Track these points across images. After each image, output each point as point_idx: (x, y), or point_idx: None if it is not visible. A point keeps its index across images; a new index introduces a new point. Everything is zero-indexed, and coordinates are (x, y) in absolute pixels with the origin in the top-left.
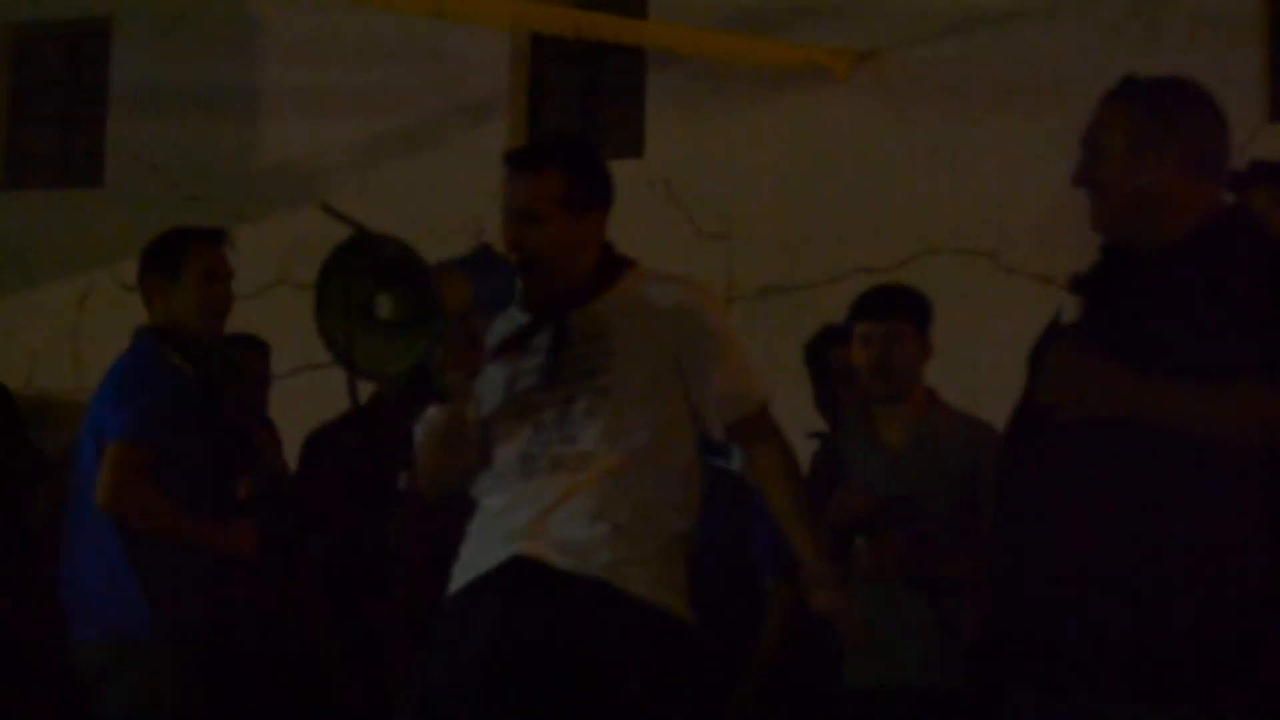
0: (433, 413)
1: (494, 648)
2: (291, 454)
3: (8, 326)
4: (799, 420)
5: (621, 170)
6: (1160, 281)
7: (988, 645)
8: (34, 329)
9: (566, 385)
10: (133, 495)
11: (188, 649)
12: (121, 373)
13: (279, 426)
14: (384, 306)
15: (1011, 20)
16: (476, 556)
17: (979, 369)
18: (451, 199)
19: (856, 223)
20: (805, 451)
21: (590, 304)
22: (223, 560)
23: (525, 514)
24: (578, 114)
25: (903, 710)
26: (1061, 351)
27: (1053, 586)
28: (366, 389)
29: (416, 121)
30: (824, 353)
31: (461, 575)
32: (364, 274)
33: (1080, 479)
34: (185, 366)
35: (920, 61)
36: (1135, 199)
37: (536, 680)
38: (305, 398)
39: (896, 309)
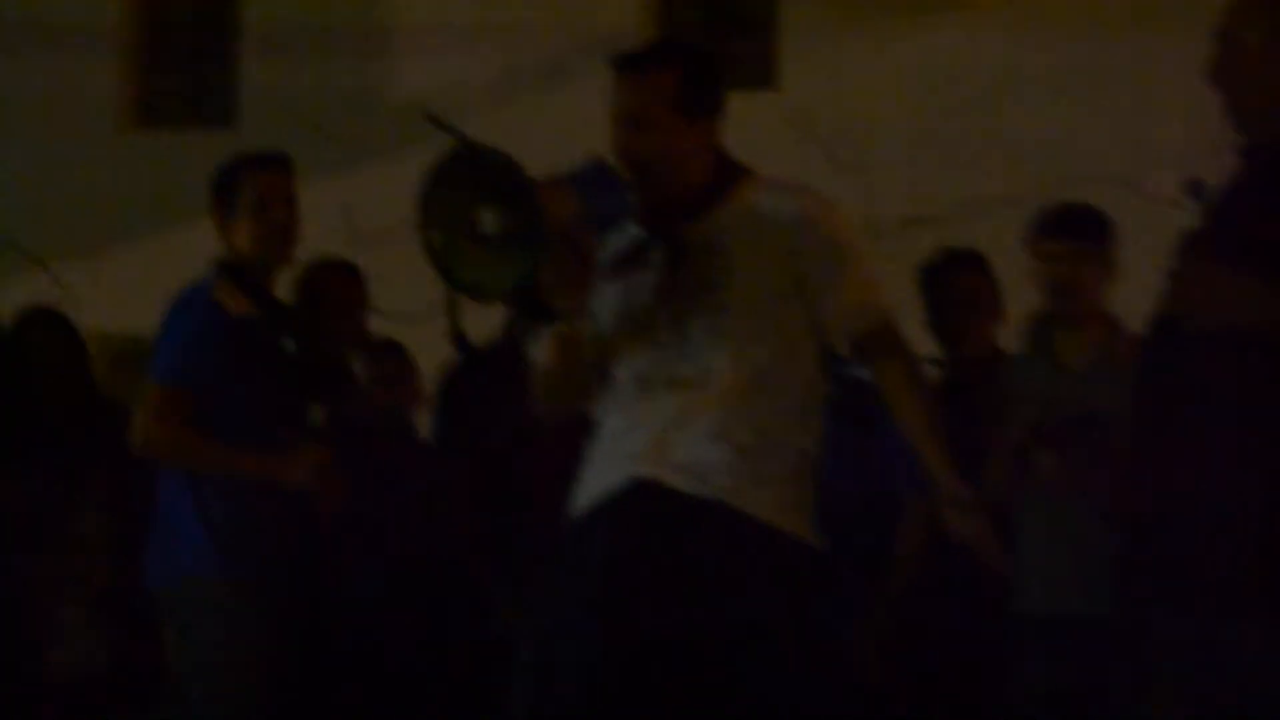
0: (545, 333)
1: (614, 573)
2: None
3: (144, 269)
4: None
5: (754, 102)
6: None
7: (1121, 564)
8: (170, 270)
9: (683, 302)
10: (162, 435)
11: (258, 588)
12: (168, 313)
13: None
14: (488, 220)
15: None
16: (596, 479)
17: (1119, 298)
18: (582, 134)
19: (997, 152)
20: None
21: (706, 216)
22: (289, 494)
23: (644, 435)
24: (708, 44)
25: (1074, 639)
26: (1185, 260)
27: (1177, 502)
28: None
29: (545, 57)
30: (943, 277)
31: (582, 497)
32: (468, 187)
33: (1205, 391)
34: (232, 302)
35: None
36: (1272, 93)
37: (657, 606)
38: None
39: (1082, 228)
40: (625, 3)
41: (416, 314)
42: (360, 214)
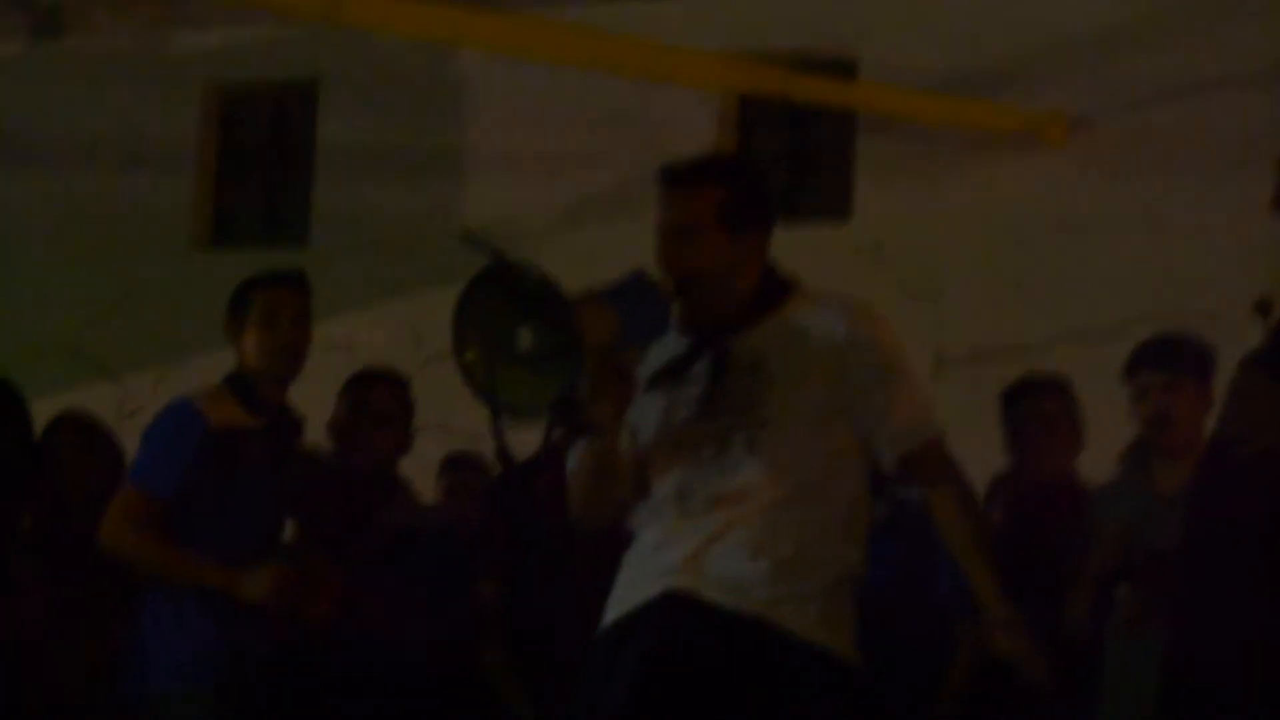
0: (582, 445)
1: (645, 687)
2: None
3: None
4: None
5: (829, 234)
6: None
7: (1173, 683)
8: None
9: (725, 417)
10: (123, 536)
11: (206, 699)
12: (154, 418)
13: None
14: (524, 338)
15: (1229, 86)
16: (630, 591)
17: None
18: (652, 263)
19: (1068, 288)
20: None
21: (751, 330)
22: (264, 613)
23: (681, 549)
24: (786, 178)
25: None
26: (1245, 380)
27: (1223, 631)
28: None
29: (620, 185)
30: (1024, 401)
31: (614, 610)
32: (505, 305)
33: (1256, 516)
34: (217, 412)
35: (1136, 127)
36: None
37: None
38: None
39: (1177, 359)
40: (702, 132)
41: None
42: (428, 334)
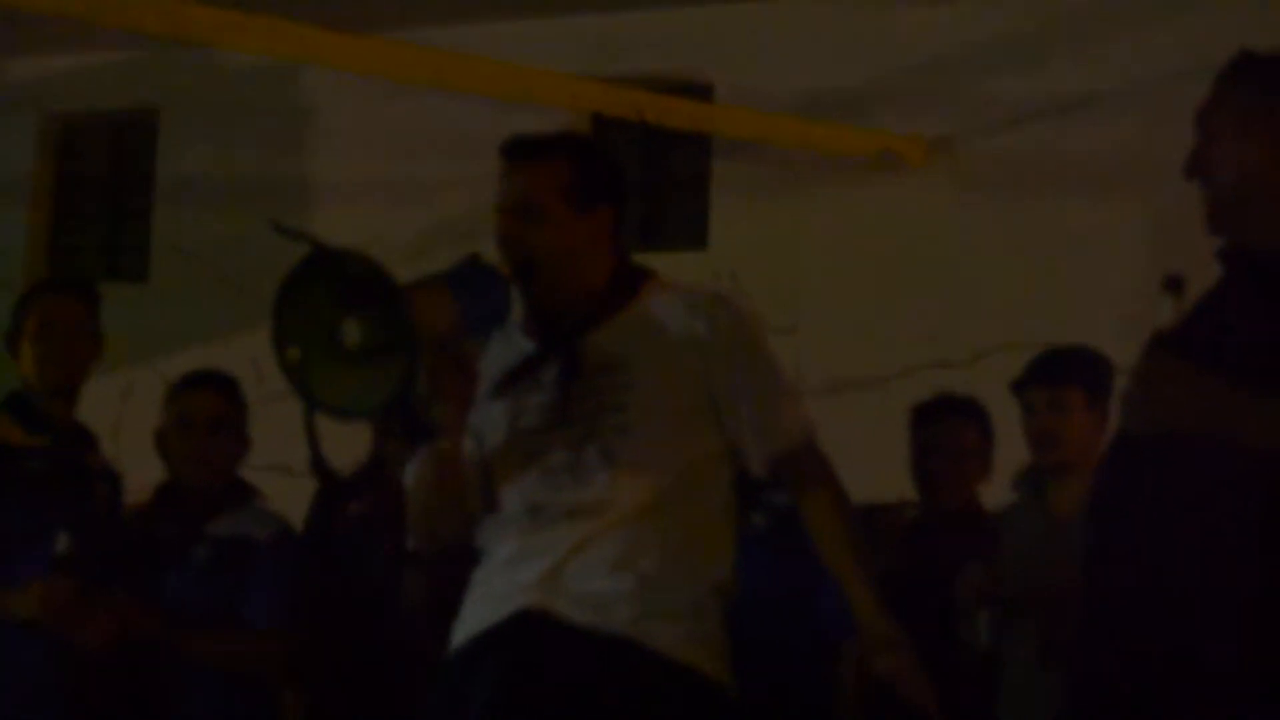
0: (422, 453)
1: (501, 711)
2: None
3: None
4: None
5: (686, 262)
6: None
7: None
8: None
9: (579, 424)
10: None
11: None
12: None
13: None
14: (351, 332)
15: (1090, 106)
16: (480, 610)
17: None
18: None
19: (930, 316)
20: None
21: (603, 326)
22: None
23: (535, 565)
24: (640, 203)
25: None
26: (1151, 363)
27: (1133, 661)
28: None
29: (474, 210)
30: (931, 421)
31: (462, 631)
32: (327, 297)
33: (1159, 505)
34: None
35: (996, 149)
36: (1246, 186)
37: None
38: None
39: (1065, 373)
40: None
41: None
42: (271, 370)
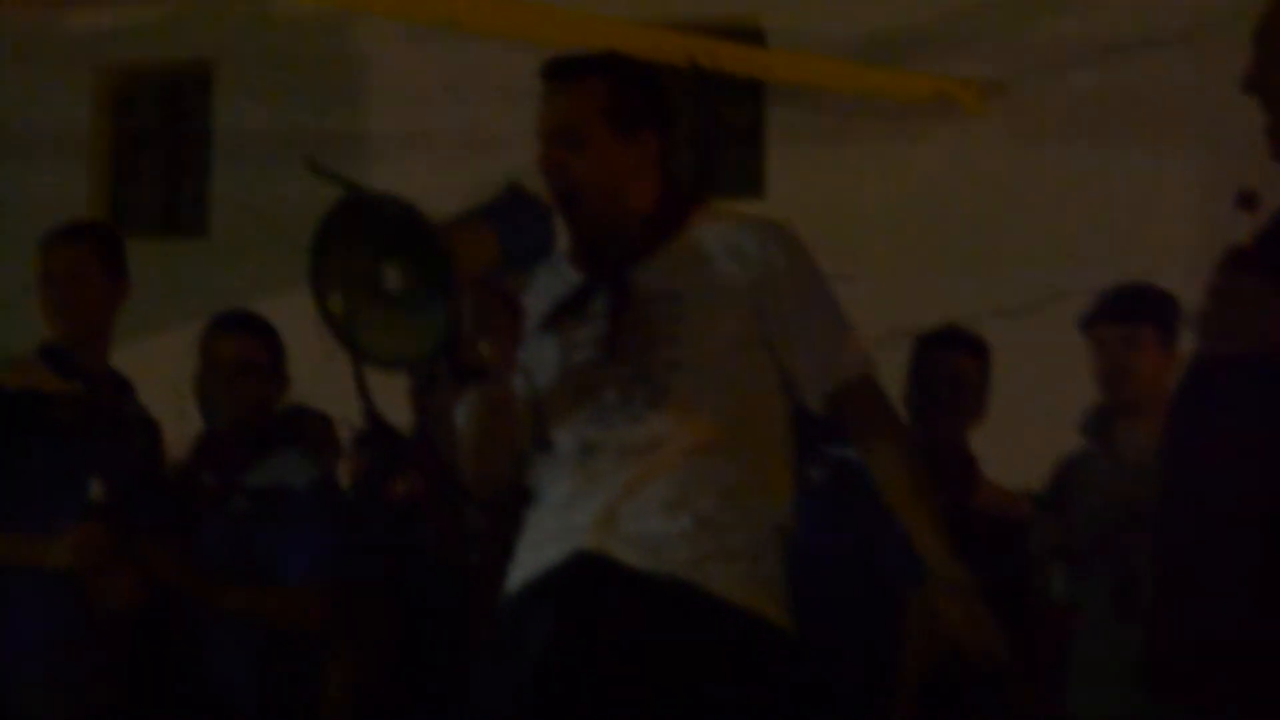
0: (471, 394)
1: (557, 656)
2: None
3: None
4: None
5: (741, 210)
6: None
7: (1150, 664)
8: (138, 381)
9: (631, 359)
10: None
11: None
12: None
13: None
14: (391, 277)
15: (1146, 49)
16: (534, 553)
17: None
18: (563, 239)
19: (989, 261)
20: None
21: (653, 256)
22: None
23: (590, 506)
24: (693, 153)
25: None
26: (1227, 281)
27: (1212, 614)
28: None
29: (520, 165)
30: (935, 352)
31: (518, 575)
32: (365, 242)
33: (1239, 429)
34: (14, 375)
35: (1052, 92)
36: None
37: (607, 694)
38: None
39: (1137, 310)
40: None
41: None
42: None
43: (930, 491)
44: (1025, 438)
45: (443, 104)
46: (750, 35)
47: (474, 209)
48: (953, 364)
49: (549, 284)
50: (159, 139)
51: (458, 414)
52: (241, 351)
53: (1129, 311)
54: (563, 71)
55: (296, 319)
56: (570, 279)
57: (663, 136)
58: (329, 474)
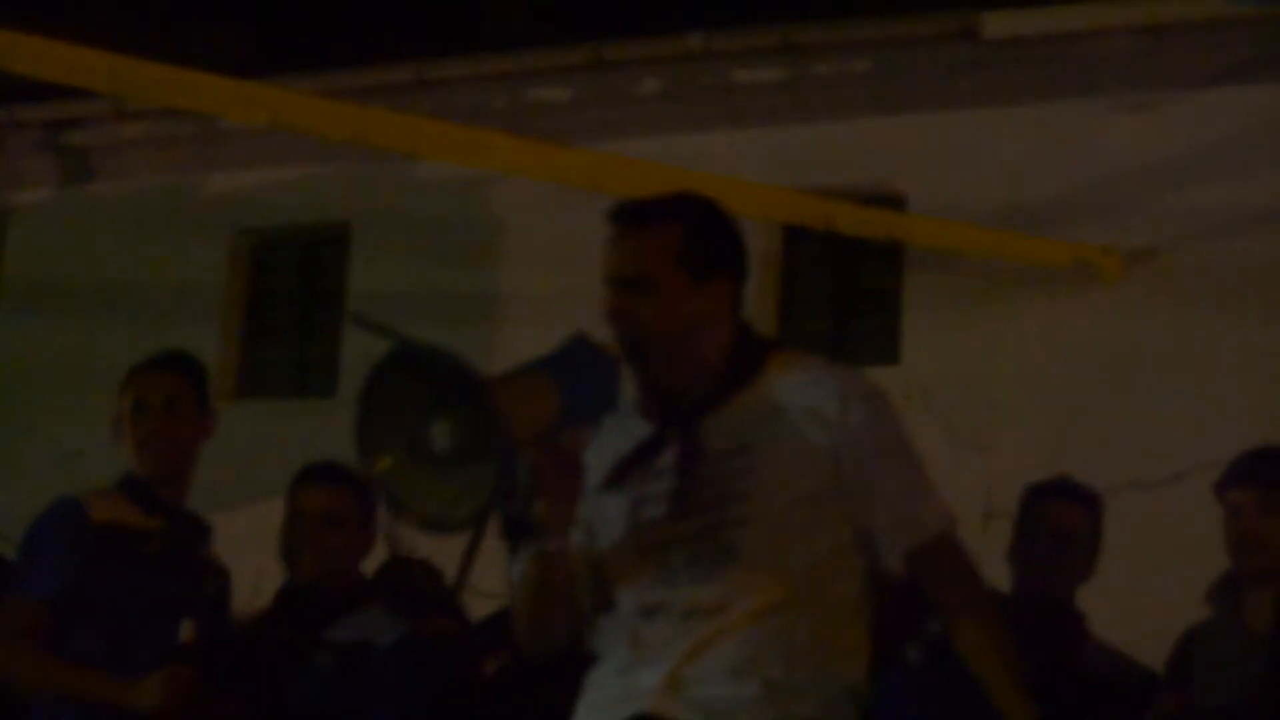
0: (527, 552)
1: None
2: None
3: (237, 540)
4: None
5: (876, 377)
6: None
7: None
8: (263, 543)
9: (699, 516)
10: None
11: None
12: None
13: None
14: (441, 436)
15: None
16: (593, 715)
17: None
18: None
19: (1128, 434)
20: None
21: (725, 407)
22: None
23: (654, 670)
24: (830, 319)
25: None
26: None
27: None
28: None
29: None
30: (1043, 504)
31: None
32: (414, 399)
33: None
34: (101, 507)
35: (1194, 262)
36: None
37: None
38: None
39: (1273, 475)
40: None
41: None
42: None
43: (1013, 652)
44: (1163, 616)
45: (579, 266)
46: (890, 201)
47: (536, 361)
48: (1063, 516)
49: (616, 437)
50: (293, 300)
51: (510, 571)
52: (329, 503)
53: (1265, 475)
54: (635, 215)
55: None
56: (638, 431)
57: (738, 284)
58: (411, 633)
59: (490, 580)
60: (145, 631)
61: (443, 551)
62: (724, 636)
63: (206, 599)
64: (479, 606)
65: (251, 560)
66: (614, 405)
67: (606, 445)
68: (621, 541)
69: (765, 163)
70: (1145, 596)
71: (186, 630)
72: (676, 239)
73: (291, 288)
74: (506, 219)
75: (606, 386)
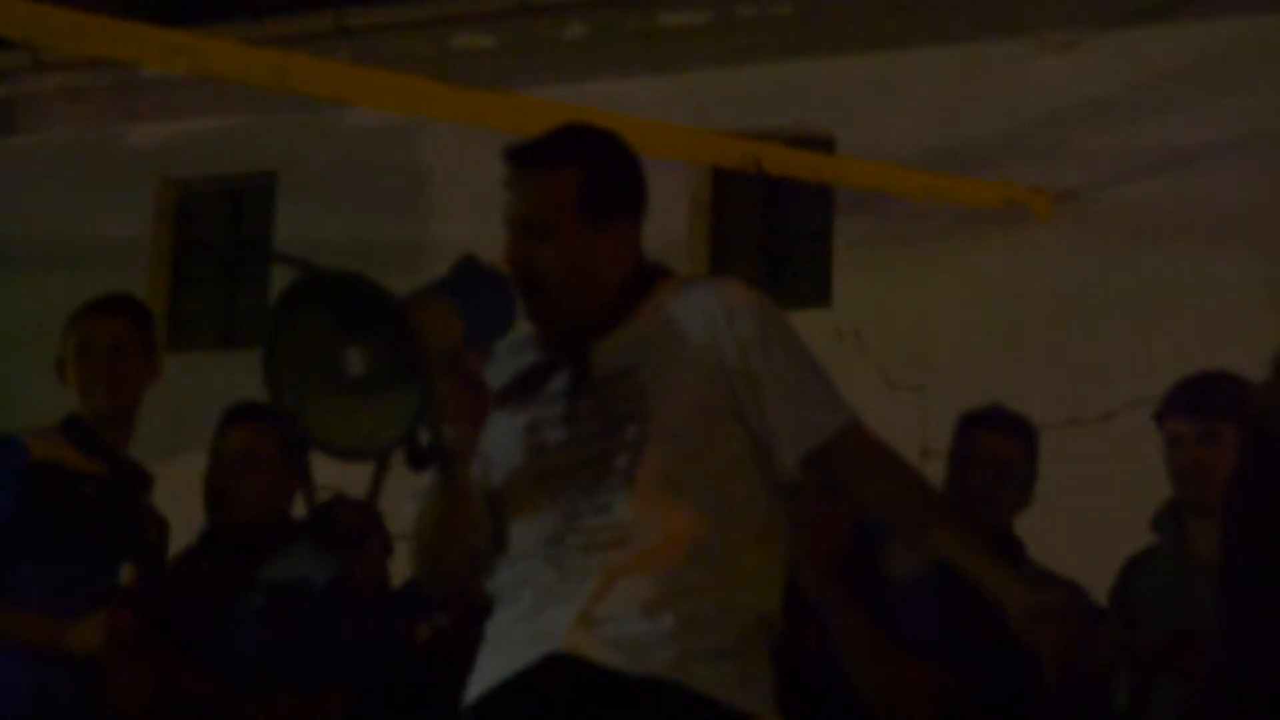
0: (428, 482)
1: None
2: None
3: (167, 493)
4: None
5: (808, 320)
6: None
7: None
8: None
9: (592, 439)
10: None
11: None
12: None
13: None
14: (354, 362)
15: (1215, 156)
16: (500, 659)
17: None
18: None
19: (1060, 371)
20: None
21: (615, 331)
22: (65, 660)
23: (562, 608)
24: (761, 262)
25: None
26: None
27: None
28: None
29: None
30: (976, 432)
31: (480, 684)
32: (324, 327)
33: None
34: (41, 447)
35: (1123, 200)
36: None
37: None
38: None
39: (1214, 402)
40: (675, 215)
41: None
42: None
43: (970, 527)
44: (1101, 550)
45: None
46: (820, 144)
47: (432, 284)
48: (998, 447)
49: (509, 364)
50: (220, 250)
51: (409, 506)
52: (251, 442)
53: (1206, 405)
54: (532, 157)
55: None
56: (531, 360)
57: (638, 219)
58: (343, 571)
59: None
60: (82, 575)
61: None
62: (632, 571)
63: (147, 546)
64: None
65: (182, 511)
66: (511, 325)
67: (500, 373)
68: (517, 471)
69: (692, 107)
70: (1083, 533)
71: (127, 574)
72: (574, 184)
73: (218, 238)
74: (433, 166)
75: (503, 308)
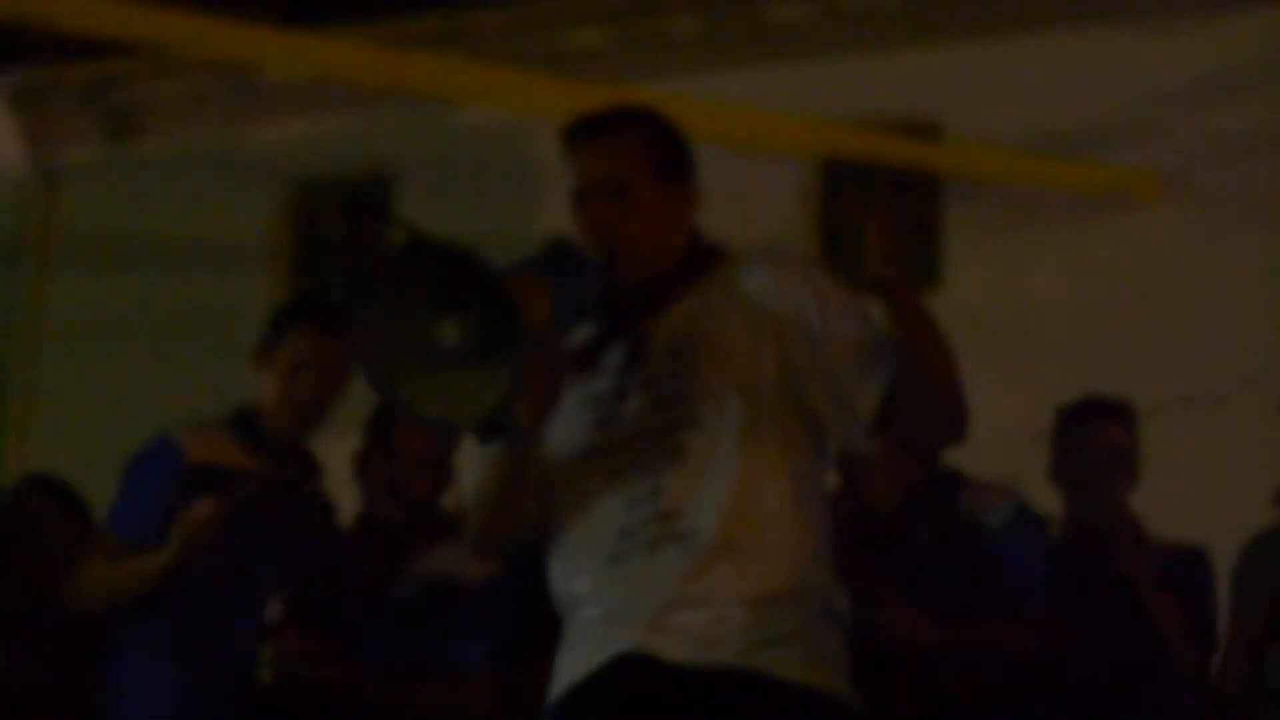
0: (492, 450)
1: None
2: None
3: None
4: None
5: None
6: None
7: None
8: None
9: (648, 418)
10: (82, 575)
11: None
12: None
13: None
14: (449, 333)
15: None
16: (575, 660)
17: None
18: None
19: (1172, 352)
20: None
21: (673, 307)
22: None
23: (625, 605)
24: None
25: None
26: None
27: None
28: None
29: None
30: (1086, 426)
31: (561, 682)
32: (418, 293)
33: None
34: (199, 446)
35: (1230, 182)
36: None
37: None
38: None
39: None
40: (786, 208)
41: None
42: None
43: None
44: (1219, 528)
45: None
46: (927, 131)
47: (524, 263)
48: (1108, 435)
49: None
50: (339, 249)
51: (470, 468)
52: (420, 435)
53: None
54: (597, 124)
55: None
56: (592, 333)
57: (694, 192)
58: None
59: None
60: (230, 591)
61: None
62: (697, 561)
63: (301, 542)
64: None
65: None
66: (591, 311)
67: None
68: (573, 444)
69: (800, 98)
70: (1198, 513)
71: (273, 611)
72: (643, 146)
73: (337, 237)
74: (547, 162)
75: (589, 290)
